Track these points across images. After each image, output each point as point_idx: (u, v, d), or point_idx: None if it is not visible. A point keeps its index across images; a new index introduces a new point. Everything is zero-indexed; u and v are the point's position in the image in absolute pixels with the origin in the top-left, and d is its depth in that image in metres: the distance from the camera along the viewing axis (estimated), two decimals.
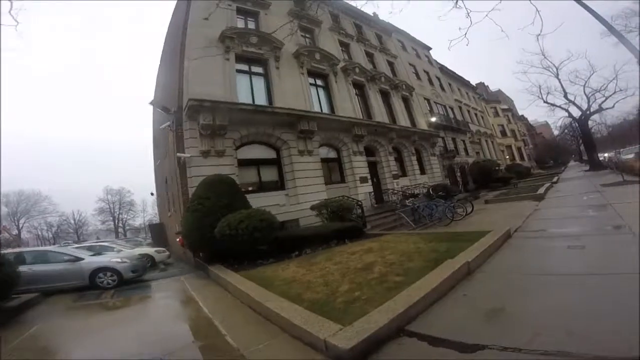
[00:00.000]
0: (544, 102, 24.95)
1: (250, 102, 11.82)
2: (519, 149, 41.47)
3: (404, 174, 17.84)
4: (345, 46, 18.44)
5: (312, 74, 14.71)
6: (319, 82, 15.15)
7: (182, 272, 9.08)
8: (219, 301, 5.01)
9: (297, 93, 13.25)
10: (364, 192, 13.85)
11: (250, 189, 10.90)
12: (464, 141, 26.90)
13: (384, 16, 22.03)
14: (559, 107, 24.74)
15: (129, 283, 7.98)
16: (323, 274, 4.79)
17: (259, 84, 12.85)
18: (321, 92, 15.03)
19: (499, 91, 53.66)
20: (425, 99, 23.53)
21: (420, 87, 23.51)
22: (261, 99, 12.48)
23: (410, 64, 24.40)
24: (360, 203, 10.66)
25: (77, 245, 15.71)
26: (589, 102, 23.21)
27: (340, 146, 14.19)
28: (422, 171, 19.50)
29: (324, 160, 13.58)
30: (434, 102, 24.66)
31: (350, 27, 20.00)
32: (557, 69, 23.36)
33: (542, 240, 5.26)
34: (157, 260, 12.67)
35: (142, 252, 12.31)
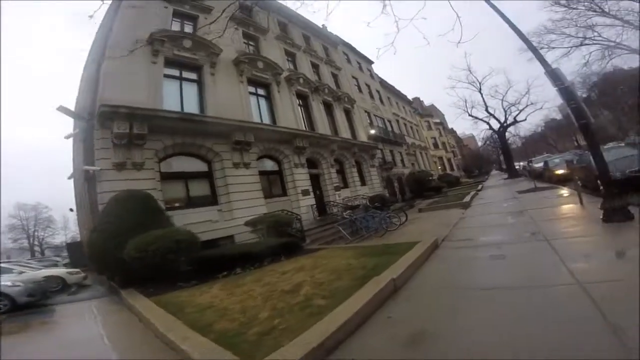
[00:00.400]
0: (469, 115, 28.12)
1: (178, 109, 10.72)
2: (449, 159, 46.28)
3: (345, 185, 18.21)
4: (291, 56, 18.26)
5: (253, 82, 14.14)
6: (260, 91, 14.62)
7: (95, 296, 7.96)
8: (124, 330, 4.46)
9: (234, 102, 12.53)
10: (306, 204, 13.67)
11: (177, 205, 9.95)
12: (400, 153, 28.75)
13: (310, 16, 22.20)
14: (481, 119, 28.16)
15: (24, 308, 7.16)
16: (245, 298, 4.42)
17: (191, 91, 11.85)
18: (262, 101, 14.52)
19: (432, 106, 59.38)
20: (365, 111, 24.57)
21: (361, 100, 24.48)
22: (192, 107, 11.48)
23: (353, 77, 25.30)
24: (299, 217, 10.37)
25: None
26: (505, 115, 26.84)
27: (282, 158, 13.82)
28: (363, 182, 20.16)
29: (264, 173, 13.07)
30: (374, 114, 25.91)
31: (299, 37, 19.94)
32: (480, 84, 26.52)
33: (467, 251, 5.56)
34: (70, 282, 10.93)
35: (49, 273, 11.01)
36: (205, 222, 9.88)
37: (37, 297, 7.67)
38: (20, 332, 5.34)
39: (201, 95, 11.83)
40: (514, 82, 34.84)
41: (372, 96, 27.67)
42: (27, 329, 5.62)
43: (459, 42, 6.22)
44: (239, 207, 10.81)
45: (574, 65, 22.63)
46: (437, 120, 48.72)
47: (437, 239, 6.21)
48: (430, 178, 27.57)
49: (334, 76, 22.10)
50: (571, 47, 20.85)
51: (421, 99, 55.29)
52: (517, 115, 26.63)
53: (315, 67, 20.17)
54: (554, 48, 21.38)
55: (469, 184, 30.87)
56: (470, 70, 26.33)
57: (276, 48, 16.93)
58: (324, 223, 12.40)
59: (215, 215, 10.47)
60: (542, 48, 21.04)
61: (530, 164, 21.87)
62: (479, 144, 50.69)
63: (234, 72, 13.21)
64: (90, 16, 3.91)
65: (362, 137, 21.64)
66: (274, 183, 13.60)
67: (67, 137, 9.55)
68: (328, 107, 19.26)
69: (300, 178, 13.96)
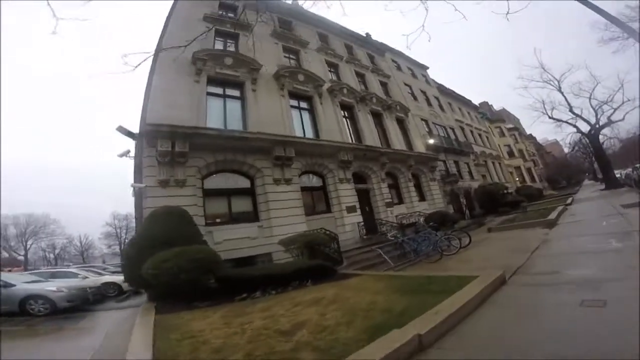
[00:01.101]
0: (550, 117, 23.77)
1: (221, 127, 10.84)
2: (528, 169, 39.52)
3: (400, 201, 16.35)
4: (333, 67, 17.76)
5: (294, 95, 13.83)
6: (303, 104, 14.20)
7: (139, 305, 7.97)
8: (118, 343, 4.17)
9: (275, 116, 12.27)
10: (351, 222, 12.40)
11: (218, 220, 9.77)
12: (467, 164, 25.37)
13: (337, 18, 21.38)
14: (566, 122, 23.47)
15: (65, 312, 7.95)
16: (234, 332, 3.65)
17: (235, 108, 11.96)
18: (305, 115, 14.03)
19: (503, 110, 52.58)
20: (422, 120, 22.43)
21: (416, 108, 22.50)
22: (236, 124, 11.51)
23: (405, 84, 23.60)
24: (335, 236, 9.16)
25: (36, 271, 16.98)
26: (596, 115, 22.01)
27: (325, 173, 12.92)
28: (422, 197, 17.99)
29: (306, 189, 12.34)
30: (433, 122, 23.51)
31: (340, 47, 19.48)
32: (558, 82, 22.36)
33: (547, 291, 3.79)
34: (125, 289, 11.68)
35: (109, 280, 12.21)
36: (245, 239, 9.52)
37: (76, 302, 8.44)
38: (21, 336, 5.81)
39: (243, 112, 11.86)
40: (601, 77, 28.45)
41: (429, 103, 25.35)
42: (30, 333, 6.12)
43: (507, 14, 5.34)
44: (278, 225, 10.19)
45: None
46: (511, 126, 42.75)
47: (504, 272, 4.47)
48: (505, 191, 23.55)
49: (383, 84, 20.80)
50: None
51: (490, 103, 49.50)
52: (611, 114, 21.49)
53: (360, 76, 19.25)
54: None
55: (554, 197, 25.54)
56: (543, 68, 22.31)
57: (317, 60, 16.61)
58: (371, 243, 10.89)
59: (254, 231, 9.99)
60: (628, 38, 16.54)
61: (638, 171, 16.88)
62: (565, 150, 42.38)
63: (274, 87, 13.10)
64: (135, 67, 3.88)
65: (420, 147, 19.55)
66: (317, 199, 12.71)
67: (120, 156, 10.22)
68: (377, 117, 17.94)
69: (345, 194, 12.80)
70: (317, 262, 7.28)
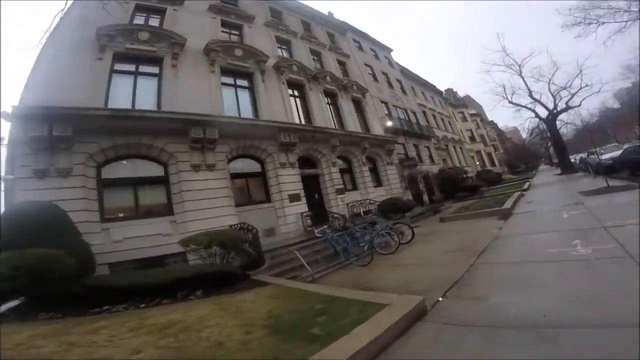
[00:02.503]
0: (510, 102, 23.50)
1: (129, 107, 9.00)
2: (489, 154, 40.16)
3: (354, 187, 15.24)
4: (285, 43, 16.00)
5: (229, 72, 12.03)
6: (241, 82, 12.41)
7: None
8: None
9: (201, 95, 10.50)
10: (294, 212, 11.08)
11: (120, 215, 8.12)
12: (428, 147, 24.80)
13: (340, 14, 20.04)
14: (525, 107, 23.35)
15: None
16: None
17: (149, 86, 10.06)
18: (244, 93, 12.28)
19: (467, 96, 52.94)
20: (382, 102, 21.28)
21: (376, 89, 21.28)
22: (149, 104, 9.66)
23: (366, 65, 22.22)
24: (254, 231, 7.79)
25: None
26: (555, 100, 21.94)
27: (264, 157, 11.40)
28: (379, 183, 17.03)
29: (240, 176, 10.85)
30: (393, 105, 22.47)
31: (296, 24, 17.72)
32: (519, 67, 22.09)
33: (482, 334, 2.49)
34: None
35: None
36: (155, 236, 7.98)
37: None
38: None
39: (159, 90, 9.97)
40: (561, 63, 29.06)
41: (391, 85, 24.21)
42: None
43: None
44: (194, 219, 8.62)
45: (632, 42, 17.40)
46: (474, 112, 42.97)
47: (424, 300, 3.24)
48: (464, 175, 23.25)
49: (341, 64, 19.30)
50: (626, 21, 15.68)
51: (455, 90, 49.62)
52: (569, 100, 21.57)
53: (316, 54, 17.62)
54: (604, 23, 16.39)
55: (512, 181, 25.83)
56: (505, 52, 21.98)
57: (264, 35, 14.79)
58: (311, 237, 9.68)
59: (167, 227, 8.39)
60: (590, 24, 16.42)
61: (592, 156, 16.93)
62: (524, 135, 43.68)
63: (203, 63, 11.25)
64: None
65: (377, 130, 18.44)
66: (254, 187, 11.23)
67: None
68: (332, 97, 16.55)
69: (287, 180, 11.40)
70: (215, 268, 5.87)
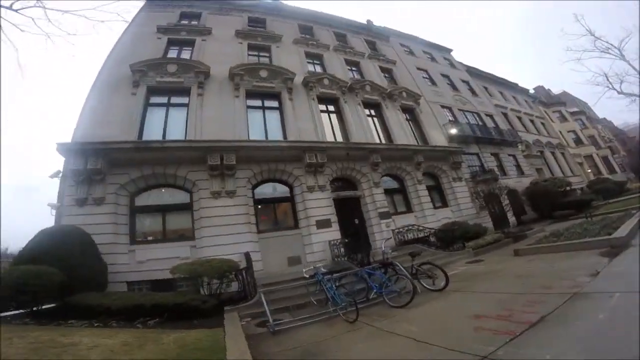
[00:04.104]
0: (619, 92, 18.14)
1: (160, 138, 9.90)
2: (604, 158, 31.30)
3: (409, 209, 13.16)
4: (315, 57, 15.77)
5: (255, 95, 12.10)
6: (269, 103, 12.31)
7: None
8: None
9: (226, 120, 10.76)
10: (321, 240, 9.95)
11: (149, 239, 8.80)
12: (513, 156, 20.66)
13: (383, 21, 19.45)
14: None
15: None
16: None
17: (179, 116, 10.91)
18: (271, 114, 12.10)
19: (564, 93, 43.78)
20: (443, 107, 18.85)
21: (434, 94, 19.07)
22: (178, 133, 10.25)
23: (419, 69, 20.39)
24: (239, 267, 6.88)
25: None
26: None
27: (292, 181, 10.68)
28: (445, 203, 14.49)
29: (268, 201, 10.50)
30: (459, 109, 19.67)
31: (328, 36, 17.72)
32: (619, 50, 17.33)
33: None
34: None
35: None
36: (173, 259, 8.03)
37: None
38: None
39: (186, 120, 10.60)
40: None
41: (455, 88, 21.52)
42: None
43: None
44: (211, 244, 8.64)
45: None
46: (575, 109, 35.02)
47: None
48: (567, 188, 18.31)
49: (386, 71, 18.14)
50: None
51: (547, 88, 41.92)
52: None
53: (353, 64, 17.02)
54: None
55: None
56: (593, 34, 17.71)
57: (293, 53, 15.10)
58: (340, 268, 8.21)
59: (186, 251, 8.60)
60: None
61: None
62: None
63: (227, 88, 11.84)
64: None
65: (439, 140, 16.18)
66: (282, 213, 10.62)
67: (52, 177, 9.45)
68: (376, 109, 15.21)
69: (314, 205, 10.44)
70: (180, 299, 5.53)
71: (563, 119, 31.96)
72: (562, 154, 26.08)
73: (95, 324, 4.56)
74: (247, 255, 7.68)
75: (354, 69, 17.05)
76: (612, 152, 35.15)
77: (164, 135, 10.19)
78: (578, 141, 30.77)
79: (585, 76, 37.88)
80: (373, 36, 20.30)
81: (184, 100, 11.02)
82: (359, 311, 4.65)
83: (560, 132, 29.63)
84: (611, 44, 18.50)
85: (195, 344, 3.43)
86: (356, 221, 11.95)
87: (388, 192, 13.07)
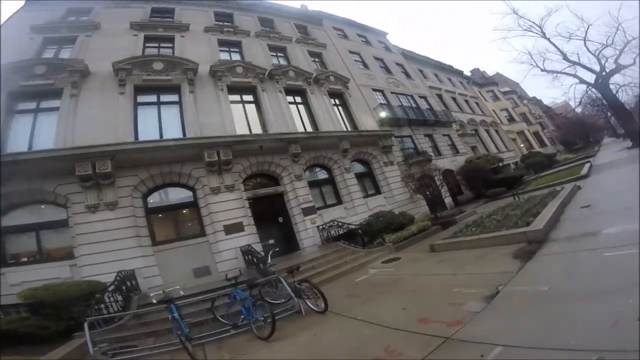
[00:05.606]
0: (542, 70, 19.29)
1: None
2: (535, 133, 33.79)
3: (339, 201, 12.64)
4: (233, 45, 14.43)
5: (149, 90, 10.75)
6: (167, 98, 11.00)
7: None
8: None
9: (107, 121, 9.33)
10: (231, 247, 9.03)
11: (23, 260, 7.58)
12: (448, 136, 21.15)
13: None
14: (563, 73, 19.05)
15: None
16: None
17: (51, 123, 9.16)
18: (169, 111, 10.78)
19: (498, 74, 46.65)
20: (376, 90, 18.55)
21: (366, 77, 18.72)
22: (48, 142, 8.63)
23: (352, 52, 19.85)
24: (105, 288, 5.87)
25: None
26: (599, 61, 17.65)
27: (193, 183, 9.54)
28: (378, 190, 14.20)
29: (165, 209, 9.27)
30: (392, 92, 19.54)
31: (250, 22, 16.28)
32: (540, 28, 18.42)
33: None
34: None
35: None
36: (53, 280, 6.75)
37: None
38: None
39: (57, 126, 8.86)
40: (590, 18, 24.70)
41: (388, 71, 21.35)
42: None
43: None
44: (91, 263, 7.50)
45: None
46: (507, 89, 37.31)
47: None
48: (499, 164, 19.13)
49: (316, 55, 17.34)
50: None
51: (482, 70, 44.22)
52: (617, 58, 17.24)
53: (279, 50, 15.92)
54: None
55: (569, 163, 20.81)
56: (516, 12, 18.77)
57: (203, 41, 13.65)
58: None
59: (67, 271, 7.44)
60: None
61: None
62: (576, 107, 36.85)
63: (116, 83, 10.21)
64: None
65: (370, 124, 15.82)
66: (186, 221, 9.51)
67: None
68: (302, 95, 14.40)
69: (221, 208, 9.43)
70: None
71: (496, 98, 33.73)
72: (496, 131, 27.45)
73: None
74: (130, 272, 6.76)
75: (279, 54, 16.00)
76: (543, 128, 38.08)
77: (30, 147, 8.58)
78: (511, 119, 32.66)
79: (512, 55, 40.77)
80: (305, 20, 19.30)
81: (55, 103, 9.39)
82: (209, 345, 3.86)
83: (494, 110, 31.18)
84: (533, 22, 19.51)
85: None
86: (280, 220, 11.19)
87: (315, 184, 12.44)
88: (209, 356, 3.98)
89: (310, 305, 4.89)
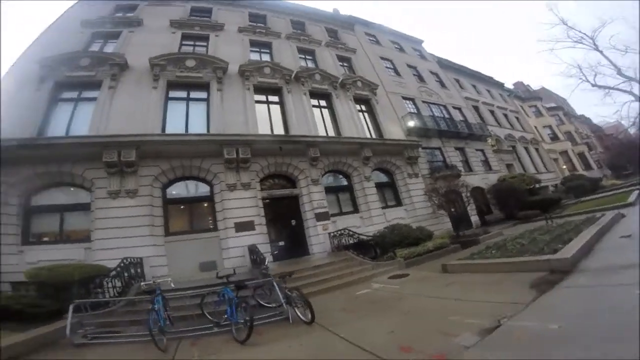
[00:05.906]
0: (592, 85, 17.58)
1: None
2: (580, 154, 30.87)
3: (355, 209, 12.36)
4: (264, 46, 14.74)
5: (180, 86, 11.26)
6: (197, 94, 11.42)
7: None
8: None
9: (138, 113, 9.96)
10: (240, 244, 9.07)
11: (46, 239, 8.09)
12: (482, 151, 20.00)
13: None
14: (616, 89, 17.16)
15: None
16: None
17: (88, 112, 9.90)
18: (197, 107, 11.17)
19: (543, 89, 43.36)
20: (406, 98, 18.01)
21: (396, 84, 18.25)
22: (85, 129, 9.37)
23: (383, 58, 19.44)
24: (107, 273, 6.13)
25: None
26: None
27: (210, 179, 9.78)
28: (399, 202, 13.73)
29: (182, 202, 9.70)
30: (424, 101, 18.86)
31: (283, 24, 16.56)
32: (592, 40, 16.76)
33: None
34: None
35: None
36: (68, 261, 7.23)
37: None
38: None
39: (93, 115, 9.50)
40: None
41: (421, 79, 20.70)
42: None
43: None
44: (102, 247, 7.87)
45: None
46: (552, 105, 34.62)
47: None
48: (535, 185, 17.76)
49: (345, 60, 17.28)
50: None
51: (526, 84, 41.62)
52: None
53: (308, 53, 16.00)
54: None
55: (615, 188, 18.86)
56: (565, 23, 17.35)
57: (236, 42, 14.19)
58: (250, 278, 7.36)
59: (81, 253, 7.83)
60: None
61: None
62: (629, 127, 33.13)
63: (146, 80, 10.87)
64: None
65: (396, 133, 15.37)
66: (200, 214, 9.81)
67: None
68: (327, 99, 14.35)
69: (235, 205, 9.53)
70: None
71: (539, 114, 31.40)
72: (536, 149, 25.53)
73: None
74: (137, 260, 7.08)
75: (308, 57, 16.12)
76: (589, 149, 34.83)
77: (67, 132, 9.34)
78: (554, 137, 30.20)
79: (559, 68, 37.83)
80: (336, 24, 19.38)
81: (94, 94, 10.11)
82: (185, 341, 3.84)
83: (536, 127, 29.04)
84: (584, 34, 18.02)
85: None
86: (293, 222, 11.13)
87: (333, 190, 12.25)
88: (179, 352, 3.95)
89: (299, 314, 4.71)
